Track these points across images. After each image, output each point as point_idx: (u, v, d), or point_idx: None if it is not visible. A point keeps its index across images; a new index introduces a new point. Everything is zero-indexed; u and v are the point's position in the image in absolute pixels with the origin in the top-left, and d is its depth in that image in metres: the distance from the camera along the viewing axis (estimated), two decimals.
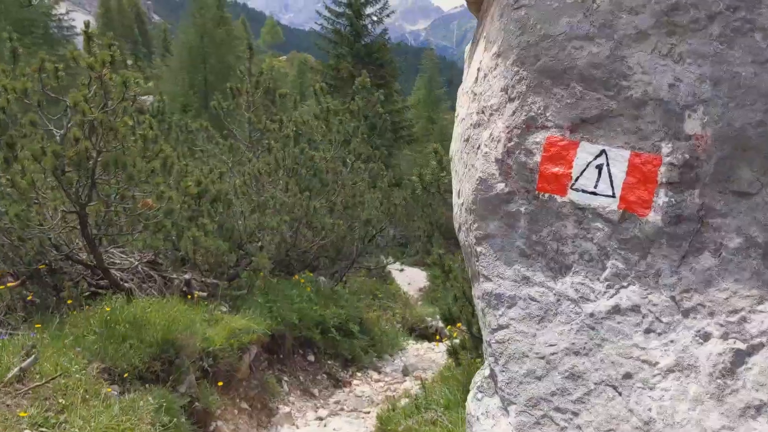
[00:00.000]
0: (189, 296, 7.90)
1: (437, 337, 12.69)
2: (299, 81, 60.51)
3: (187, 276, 7.96)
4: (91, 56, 5.99)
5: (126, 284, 7.46)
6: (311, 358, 9.46)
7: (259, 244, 9.17)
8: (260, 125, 11.05)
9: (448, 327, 9.09)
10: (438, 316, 14.40)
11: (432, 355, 11.25)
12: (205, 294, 7.92)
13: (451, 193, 3.44)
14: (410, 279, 20.92)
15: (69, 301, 6.61)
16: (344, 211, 11.02)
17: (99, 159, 5.97)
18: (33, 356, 4.68)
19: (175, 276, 8.04)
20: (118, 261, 7.97)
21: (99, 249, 6.86)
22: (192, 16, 58.00)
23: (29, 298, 6.58)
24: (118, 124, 5.81)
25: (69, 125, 6.23)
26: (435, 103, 57.30)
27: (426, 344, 12.15)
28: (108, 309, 6.46)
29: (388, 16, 39.23)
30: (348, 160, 10.89)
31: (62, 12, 53.71)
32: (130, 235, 7.01)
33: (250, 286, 8.77)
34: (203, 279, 8.31)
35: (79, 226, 6.59)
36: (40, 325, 5.82)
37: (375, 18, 38.92)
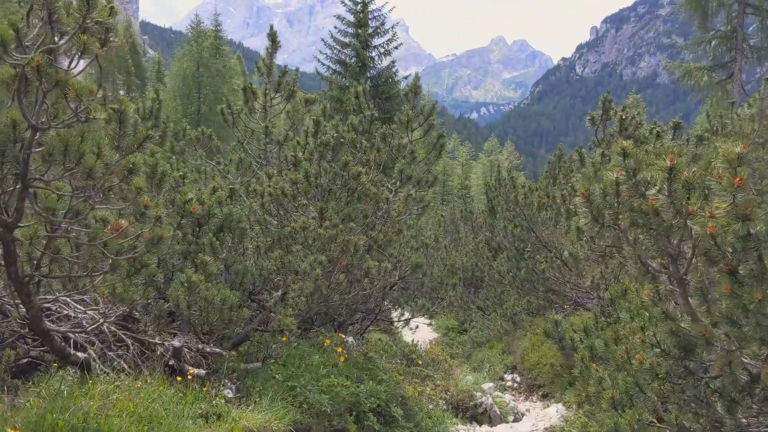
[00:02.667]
0: (179, 375, 5.16)
1: (488, 417, 9.96)
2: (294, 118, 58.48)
3: (176, 342, 5.22)
4: None
5: (80, 354, 4.71)
6: None
7: (281, 293, 6.48)
8: (280, 136, 8.49)
9: None
10: (486, 388, 11.68)
11: None
12: (203, 373, 5.18)
13: None
14: (411, 326, 18.24)
15: None
16: (382, 250, 8.38)
17: (37, 139, 3.31)
18: None
19: (158, 341, 5.30)
20: (72, 314, 5.24)
21: (35, 298, 4.14)
22: (189, 44, 56.48)
23: None
24: (72, 80, 3.18)
25: None
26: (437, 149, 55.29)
27: (478, 429, 9.42)
28: (39, 400, 3.75)
29: (396, 48, 37.17)
30: (391, 186, 8.34)
31: None
32: (88, 279, 4.31)
33: (266, 356, 6.05)
34: (200, 346, 5.57)
35: (2, 261, 3.90)
36: None
37: (382, 50, 36.86)
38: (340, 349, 7.01)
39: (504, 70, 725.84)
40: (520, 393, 15.89)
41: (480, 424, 9.72)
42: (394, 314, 12.86)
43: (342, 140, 6.93)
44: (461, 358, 19.05)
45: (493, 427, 9.62)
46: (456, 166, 72.21)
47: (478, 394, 9.93)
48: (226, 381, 5.60)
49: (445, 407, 9.36)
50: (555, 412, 13.59)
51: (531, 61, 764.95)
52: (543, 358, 15.34)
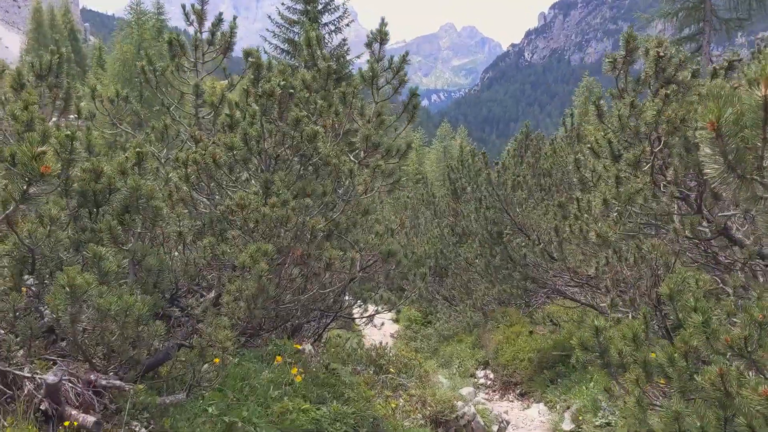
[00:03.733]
0: (58, 422, 3.47)
1: (470, 430, 8.46)
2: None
3: (51, 376, 3.51)
4: None
5: None
6: None
7: (213, 295, 4.82)
8: (214, 97, 6.75)
9: None
10: (466, 394, 10.19)
11: None
12: (91, 421, 3.47)
13: None
14: (375, 323, 16.64)
15: None
16: (344, 236, 6.76)
17: None
18: None
19: (26, 373, 3.59)
20: None
21: None
22: (129, 27, 53.73)
23: None
24: None
25: None
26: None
27: None
28: None
29: (347, 25, 35.29)
30: (354, 158, 6.71)
31: None
32: None
33: (191, 384, 4.38)
34: (93, 377, 3.86)
35: None
36: None
37: (333, 27, 34.91)
38: (294, 370, 5.38)
39: (454, 57, 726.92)
40: (494, 391, 14.49)
41: None
42: (356, 310, 11.28)
43: (292, 91, 5.27)
44: (427, 353, 17.58)
45: None
46: (410, 153, 70.77)
47: (459, 403, 8.43)
48: (135, 424, 3.92)
49: (422, 422, 7.83)
50: (537, 413, 12.23)
51: (480, 47, 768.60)
52: (519, 353, 13.98)
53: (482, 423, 8.75)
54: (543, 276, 11.90)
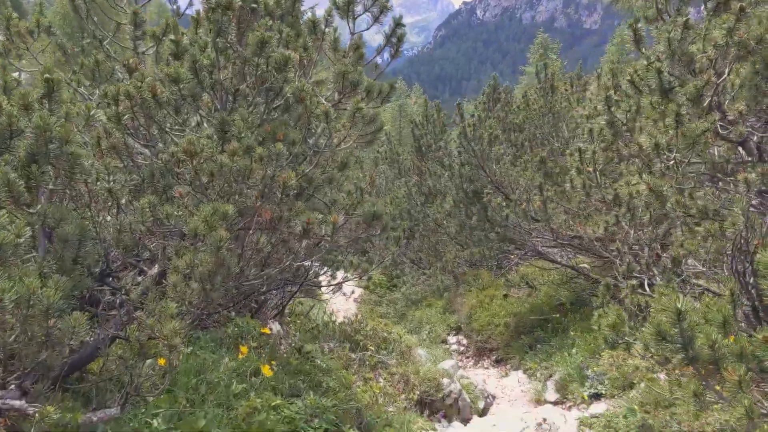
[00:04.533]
0: None
1: (457, 408, 7.56)
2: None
3: None
4: None
5: None
6: None
7: (156, 271, 3.69)
8: (157, 29, 5.48)
9: None
10: (449, 368, 9.28)
11: None
12: None
13: None
14: (345, 291, 15.55)
15: None
16: (317, 194, 5.68)
17: None
18: None
19: None
20: None
21: None
22: None
23: None
24: None
25: None
26: None
27: (450, 430, 7.01)
28: None
29: None
30: (326, 100, 5.57)
31: None
32: None
33: (128, 392, 3.26)
34: None
35: None
36: None
37: None
38: (265, 368, 4.30)
39: (407, 14, 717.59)
40: (468, 357, 13.69)
41: (450, 420, 7.34)
42: (323, 278, 10.24)
43: (255, 5, 4.06)
44: (394, 318, 16.69)
45: (468, 427, 7.24)
46: (392, 95, 68.99)
47: (445, 380, 7.51)
48: None
49: (405, 404, 6.89)
50: (516, 382, 11.47)
51: (433, 4, 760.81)
52: (494, 318, 13.18)
53: (468, 400, 7.89)
54: (523, 237, 11.02)
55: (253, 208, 3.94)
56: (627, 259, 5.53)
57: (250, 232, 4.12)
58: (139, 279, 3.58)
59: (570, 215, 10.38)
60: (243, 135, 3.58)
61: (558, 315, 11.95)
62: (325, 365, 5.52)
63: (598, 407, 8.93)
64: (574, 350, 10.63)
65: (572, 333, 11.22)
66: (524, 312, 12.60)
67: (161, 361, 3.10)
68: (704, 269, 5.89)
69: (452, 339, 14.03)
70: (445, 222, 14.63)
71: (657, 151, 4.10)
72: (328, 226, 4.58)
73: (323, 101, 5.70)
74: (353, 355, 7.12)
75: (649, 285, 6.05)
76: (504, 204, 10.23)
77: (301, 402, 4.83)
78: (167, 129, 3.94)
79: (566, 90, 15.14)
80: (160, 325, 3.10)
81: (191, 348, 4.60)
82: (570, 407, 9.60)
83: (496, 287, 13.86)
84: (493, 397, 9.20)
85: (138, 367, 3.25)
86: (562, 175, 12.35)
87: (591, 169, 6.38)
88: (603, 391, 9.23)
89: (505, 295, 13.09)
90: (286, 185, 4.00)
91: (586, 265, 12.17)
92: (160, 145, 3.95)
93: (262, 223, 4.07)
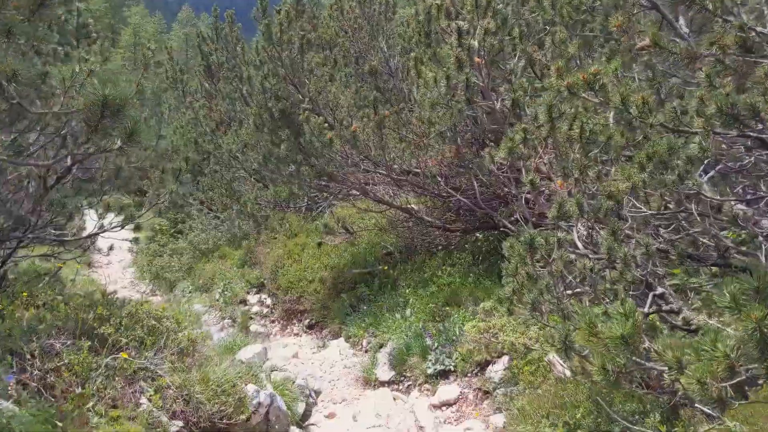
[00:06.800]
0: None
1: (266, 423, 4.99)
2: None
3: None
4: None
5: None
6: None
7: None
8: None
9: None
10: (253, 357, 6.57)
11: None
12: None
13: None
14: (101, 246, 11.73)
15: None
16: None
17: None
18: None
19: None
20: None
21: None
22: None
23: None
24: None
25: None
26: None
27: None
28: None
29: None
30: None
31: None
32: None
33: None
34: None
35: None
36: None
37: None
38: None
39: None
40: (273, 322, 11.08)
41: None
42: (67, 226, 7.04)
43: None
44: (178, 273, 13.57)
45: None
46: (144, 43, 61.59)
47: (250, 389, 4.86)
48: None
49: None
50: (337, 354, 9.15)
51: None
52: (307, 272, 10.66)
53: (284, 407, 5.34)
54: (346, 171, 8.56)
55: None
56: (558, 199, 3.34)
57: None
58: None
59: (409, 144, 8.10)
60: None
61: (386, 267, 9.79)
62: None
63: (449, 390, 6.91)
64: (408, 311, 8.54)
65: (405, 289, 9.11)
66: (344, 264, 10.25)
67: None
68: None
69: (253, 299, 11.33)
70: (241, 155, 11.73)
71: None
72: None
73: None
74: (95, 360, 4.23)
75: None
76: (326, 126, 7.63)
77: None
78: None
79: None
80: None
81: None
82: (409, 387, 7.51)
83: (308, 234, 11.37)
84: (319, 392, 6.75)
85: None
86: (395, 96, 10.02)
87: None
88: (452, 367, 7.22)
89: (320, 244, 10.63)
90: None
91: (416, 206, 10.11)
92: None
93: None
